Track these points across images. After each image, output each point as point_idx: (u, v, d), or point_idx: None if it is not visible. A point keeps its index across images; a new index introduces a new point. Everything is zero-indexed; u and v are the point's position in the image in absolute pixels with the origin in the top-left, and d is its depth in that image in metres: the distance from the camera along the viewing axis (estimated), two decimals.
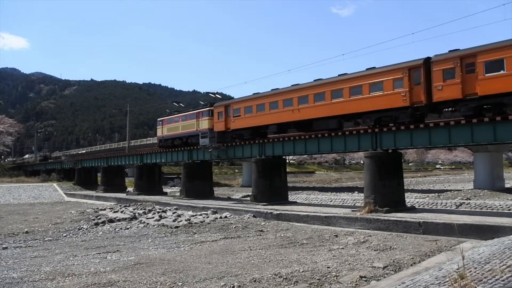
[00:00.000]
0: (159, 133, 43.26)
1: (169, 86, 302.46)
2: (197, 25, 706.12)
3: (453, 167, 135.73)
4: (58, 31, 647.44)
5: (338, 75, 25.44)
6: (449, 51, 20.60)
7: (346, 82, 24.23)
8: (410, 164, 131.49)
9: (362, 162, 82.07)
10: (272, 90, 29.59)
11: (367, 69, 23.86)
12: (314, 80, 26.88)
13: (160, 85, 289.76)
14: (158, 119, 44.47)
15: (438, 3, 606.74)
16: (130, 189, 51.33)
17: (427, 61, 20.99)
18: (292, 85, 28.23)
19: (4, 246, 17.88)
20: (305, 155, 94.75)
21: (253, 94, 31.49)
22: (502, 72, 18.15)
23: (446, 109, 21.00)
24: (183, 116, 39.24)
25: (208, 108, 35.60)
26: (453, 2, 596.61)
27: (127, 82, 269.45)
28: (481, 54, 18.88)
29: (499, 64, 18.28)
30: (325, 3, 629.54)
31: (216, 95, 44.19)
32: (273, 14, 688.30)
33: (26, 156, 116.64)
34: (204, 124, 35.27)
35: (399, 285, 8.63)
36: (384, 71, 22.59)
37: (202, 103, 41.47)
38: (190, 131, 37.14)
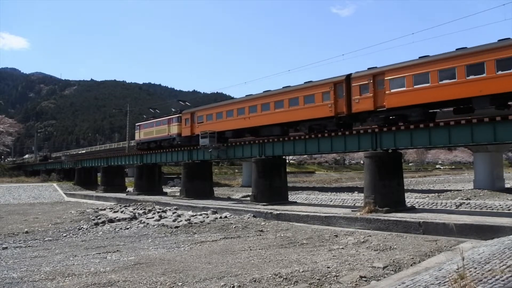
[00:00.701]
0: (137, 137, 47.69)
1: (169, 86, 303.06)
2: (197, 25, 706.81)
3: (453, 167, 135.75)
4: (58, 31, 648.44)
5: (282, 87, 28.89)
6: (368, 68, 23.87)
7: (286, 94, 27.82)
8: (410, 164, 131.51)
9: (362, 162, 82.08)
10: (229, 100, 34.89)
11: (304, 82, 27.13)
12: (263, 92, 30.35)
13: (160, 85, 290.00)
14: (136, 124, 48.56)
15: (438, 3, 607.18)
16: (130, 189, 51.32)
17: (348, 78, 24.31)
18: (246, 96, 32.04)
19: (4, 246, 17.88)
20: (305, 155, 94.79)
21: (214, 104, 36.44)
22: (403, 88, 21.41)
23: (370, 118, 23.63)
24: (156, 122, 43.37)
25: (177, 115, 39.38)
26: (453, 2, 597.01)
27: (127, 82, 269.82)
28: (388, 73, 22.18)
29: (401, 82, 21.55)
30: (325, 3, 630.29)
31: (185, 103, 48.27)
32: (273, 14, 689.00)
33: (26, 156, 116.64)
34: (174, 129, 39.36)
35: (399, 285, 8.63)
36: (316, 85, 26.06)
37: (173, 110, 45.74)
38: (163, 136, 41.10)
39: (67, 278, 11.28)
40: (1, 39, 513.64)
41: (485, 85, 18.57)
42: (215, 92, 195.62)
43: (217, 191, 45.08)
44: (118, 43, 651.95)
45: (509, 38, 18.56)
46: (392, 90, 21.88)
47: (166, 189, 52.41)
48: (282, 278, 10.30)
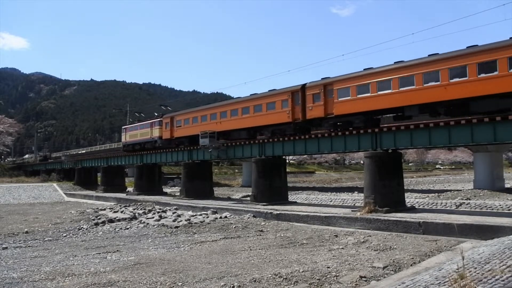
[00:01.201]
0: (123, 139, 50.66)
1: (169, 86, 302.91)
2: (197, 25, 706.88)
3: (453, 167, 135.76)
4: (58, 31, 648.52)
5: (250, 94, 31.90)
6: (322, 78, 26.28)
7: (252, 101, 30.56)
8: (410, 164, 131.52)
9: (362, 162, 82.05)
10: (204, 106, 38.04)
11: (269, 90, 29.82)
12: (234, 98, 34.22)
13: (160, 85, 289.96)
14: (123, 127, 52.89)
15: (438, 3, 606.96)
16: (130, 189, 51.31)
17: (303, 87, 26.87)
18: (217, 103, 36.15)
19: (4, 246, 17.88)
20: (305, 155, 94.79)
21: (190, 109, 39.78)
22: (348, 97, 23.91)
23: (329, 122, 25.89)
24: (140, 125, 46.76)
25: (159, 119, 42.64)
26: (453, 2, 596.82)
27: (127, 82, 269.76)
28: (336, 83, 24.73)
29: (347, 91, 24.06)
30: (325, 3, 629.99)
31: (166, 108, 53.90)
32: (273, 14, 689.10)
33: (26, 156, 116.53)
34: (156, 132, 42.52)
35: (399, 285, 8.63)
36: (276, 93, 28.87)
37: (156, 114, 48.99)
38: (146, 138, 44.50)
39: (67, 278, 11.28)
40: (1, 39, 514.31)
41: (414, 95, 20.95)
42: (215, 92, 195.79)
43: (217, 191, 45.10)
44: (118, 43, 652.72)
45: (437, 54, 20.92)
46: (339, 99, 24.41)
47: (166, 189, 52.42)
48: (282, 278, 10.31)
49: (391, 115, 23.29)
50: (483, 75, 18.61)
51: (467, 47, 19.75)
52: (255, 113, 29.92)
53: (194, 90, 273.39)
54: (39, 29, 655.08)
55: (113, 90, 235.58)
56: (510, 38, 18.33)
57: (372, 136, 23.31)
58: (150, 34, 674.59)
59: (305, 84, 27.01)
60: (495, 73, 18.24)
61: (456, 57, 19.64)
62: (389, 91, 22.04)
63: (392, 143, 22.61)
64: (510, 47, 17.97)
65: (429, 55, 21.15)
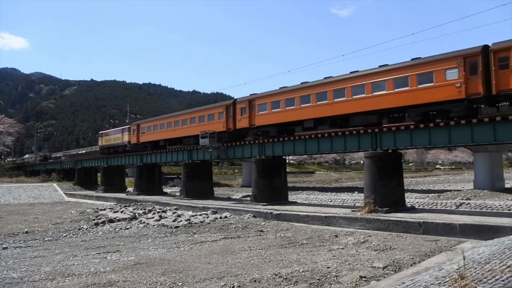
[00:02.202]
0: (99, 143, 57.57)
1: (169, 86, 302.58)
2: (197, 25, 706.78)
3: (453, 167, 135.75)
4: (58, 31, 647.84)
5: (197, 108, 40.23)
6: (250, 94, 31.96)
7: (197, 113, 37.36)
8: (410, 164, 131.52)
9: (362, 162, 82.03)
10: (163, 115, 45.12)
11: (214, 103, 36.66)
12: (185, 110, 42.32)
13: (160, 85, 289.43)
14: (99, 132, 60.32)
15: (437, 3, 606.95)
16: (130, 189, 51.30)
17: (234, 102, 32.64)
18: (176, 112, 44.00)
19: (4, 246, 17.88)
20: (305, 155, 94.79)
21: (153, 118, 47.02)
22: (266, 111, 29.36)
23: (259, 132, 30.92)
24: (113, 131, 53.49)
25: (128, 126, 49.38)
26: (453, 2, 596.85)
27: (127, 82, 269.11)
28: (257, 100, 30.29)
29: (265, 107, 29.50)
30: (325, 3, 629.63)
31: (135, 116, 63.45)
32: (273, 15, 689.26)
33: (26, 156, 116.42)
34: (126, 137, 48.42)
35: (399, 285, 8.63)
36: (215, 107, 35.88)
37: (127, 121, 56.18)
38: (118, 142, 50.63)
39: (67, 278, 11.28)
40: (1, 39, 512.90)
41: (310, 111, 26.27)
42: (215, 92, 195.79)
43: (217, 191, 45.10)
44: (118, 43, 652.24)
45: (330, 76, 25.84)
46: (259, 113, 29.89)
47: (166, 189, 52.42)
48: (282, 278, 10.31)
49: (299, 126, 28.25)
50: (356, 96, 23.70)
51: (350, 72, 24.89)
52: (200, 123, 36.15)
53: (194, 90, 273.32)
54: (39, 29, 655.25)
55: (113, 90, 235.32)
56: (379, 66, 23.42)
57: (372, 136, 23.31)
58: (150, 34, 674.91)
59: (235, 99, 33.03)
60: (363, 95, 23.31)
61: (339, 81, 24.89)
62: (294, 107, 27.45)
63: (392, 143, 22.62)
64: (372, 76, 23.26)
65: (324, 78, 26.29)
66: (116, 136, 51.92)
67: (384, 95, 22.45)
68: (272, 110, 28.89)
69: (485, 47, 19.39)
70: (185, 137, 38.65)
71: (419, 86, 21.05)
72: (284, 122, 28.50)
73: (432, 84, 20.62)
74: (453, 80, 19.83)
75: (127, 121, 55.78)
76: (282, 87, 29.09)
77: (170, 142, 41.76)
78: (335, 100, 24.64)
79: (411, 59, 22.16)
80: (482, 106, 20.44)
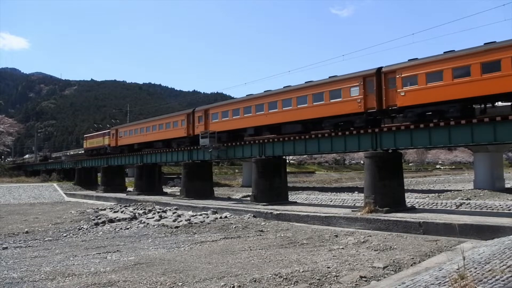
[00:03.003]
0: (84, 145, 63.42)
1: (169, 86, 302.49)
2: (198, 25, 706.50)
3: (453, 167, 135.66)
4: (58, 31, 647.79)
5: (165, 115, 45.72)
6: (208, 104, 38.38)
7: (164, 120, 42.64)
8: (410, 164, 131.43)
9: (362, 162, 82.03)
10: (137, 121, 51.86)
11: (179, 111, 41.01)
12: (155, 117, 48.40)
13: (160, 85, 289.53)
14: (85, 135, 66.90)
15: (437, 3, 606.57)
16: (130, 189, 51.30)
17: (193, 111, 37.38)
18: (148, 119, 50.36)
19: (4, 246, 17.87)
20: (305, 155, 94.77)
21: (129, 123, 54.34)
22: (217, 120, 34.13)
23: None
24: (96, 135, 59.93)
25: (108, 131, 54.84)
26: (453, 2, 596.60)
27: (127, 82, 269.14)
28: (211, 109, 35.25)
29: (217, 116, 34.36)
30: (325, 4, 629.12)
31: (116, 121, 73.36)
32: (273, 15, 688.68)
33: (26, 156, 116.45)
34: (106, 141, 53.56)
35: (399, 285, 8.63)
36: (178, 115, 40.88)
37: (108, 126, 62.85)
38: (100, 145, 56.03)
39: (67, 278, 11.28)
40: (2, 39, 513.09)
41: (251, 120, 30.59)
42: (216, 92, 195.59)
43: (217, 191, 45.10)
44: (118, 43, 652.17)
45: (270, 90, 29.89)
46: (213, 121, 34.58)
47: (166, 189, 52.40)
48: (282, 278, 10.31)
49: (244, 133, 32.45)
50: (285, 108, 27.79)
51: (284, 87, 28.95)
52: (166, 129, 41.19)
53: (194, 90, 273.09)
54: (40, 29, 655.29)
55: (113, 90, 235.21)
56: (305, 82, 27.24)
57: (372, 136, 23.31)
58: (150, 34, 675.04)
59: (194, 109, 37.86)
60: (291, 107, 27.42)
61: (273, 95, 29.20)
62: (239, 116, 31.76)
63: (392, 143, 22.62)
64: (297, 91, 27.23)
65: (264, 91, 30.49)
66: (98, 140, 57.72)
67: (306, 108, 26.43)
68: (222, 119, 33.59)
69: (379, 69, 23.04)
70: (155, 141, 43.86)
71: (331, 101, 24.88)
72: (231, 129, 32.92)
73: (340, 99, 24.37)
74: (355, 96, 23.60)
75: (108, 126, 64.86)
76: (232, 98, 35.14)
77: (143, 146, 46.79)
78: (270, 111, 29.00)
79: (329, 77, 25.84)
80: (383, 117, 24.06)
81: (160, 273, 11.44)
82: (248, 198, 33.69)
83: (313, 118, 26.39)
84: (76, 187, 60.57)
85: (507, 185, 41.93)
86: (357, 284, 9.71)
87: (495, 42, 19.20)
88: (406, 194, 27.84)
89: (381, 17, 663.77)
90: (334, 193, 42.75)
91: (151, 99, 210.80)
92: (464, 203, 27.06)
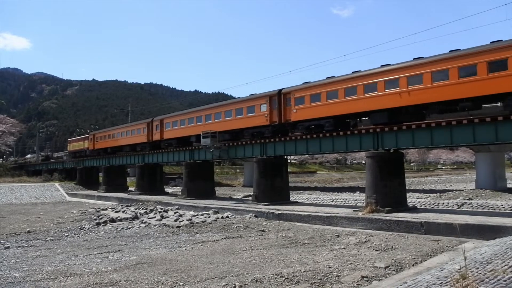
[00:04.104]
0: (68, 148, 71.14)
1: (171, 86, 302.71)
2: (199, 25, 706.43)
3: (455, 167, 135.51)
4: (60, 32, 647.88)
5: (135, 122, 53.03)
6: (167, 114, 45.82)
7: (131, 127, 49.82)
8: (411, 164, 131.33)
9: (363, 162, 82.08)
10: (111, 127, 61.38)
11: (142, 120, 45.56)
12: (126, 123, 59.46)
13: (161, 85, 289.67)
14: (68, 139, 76.83)
15: (438, 3, 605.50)
16: (131, 189, 51.35)
17: (152, 120, 44.30)
18: (119, 125, 60.69)
19: (6, 245, 17.92)
20: (307, 155, 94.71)
21: (103, 129, 62.93)
22: (169, 128, 40.91)
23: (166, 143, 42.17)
24: (78, 139, 67.62)
25: (87, 136, 62.15)
26: (454, 2, 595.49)
27: (128, 82, 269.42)
28: (165, 119, 42.05)
29: (169, 125, 41.18)
30: (325, 4, 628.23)
31: (95, 126, 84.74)
32: (274, 15, 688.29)
33: (28, 156, 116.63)
34: (86, 144, 60.60)
35: (401, 285, 8.62)
36: (139, 123, 48.11)
37: (88, 130, 72.13)
38: (81, 148, 63.06)
39: (69, 277, 11.29)
40: (4, 40, 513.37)
41: (199, 128, 35.44)
42: (217, 92, 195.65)
43: (219, 191, 45.10)
44: (120, 43, 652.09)
45: (221, 102, 37.45)
46: (166, 129, 41.56)
47: (168, 189, 52.41)
48: (283, 278, 10.30)
49: (191, 140, 37.91)
50: (217, 120, 34.21)
51: (219, 103, 36.68)
52: (132, 135, 48.07)
53: (196, 90, 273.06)
54: (41, 29, 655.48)
55: (114, 90, 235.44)
56: (232, 99, 37.30)
57: (374, 136, 23.30)
58: (151, 34, 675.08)
59: (153, 118, 44.54)
60: (220, 119, 33.79)
61: (209, 109, 36.23)
62: (185, 126, 38.64)
63: (393, 143, 22.60)
64: (224, 107, 34.33)
65: (211, 104, 38.60)
66: (79, 143, 64.63)
67: (231, 120, 32.58)
68: (173, 128, 40.33)
69: (280, 90, 28.94)
70: (124, 145, 50.27)
71: (248, 115, 30.95)
72: (180, 136, 39.31)
73: (254, 114, 30.35)
74: (264, 112, 29.55)
75: (88, 131, 75.20)
76: (182, 111, 42.68)
77: (115, 149, 53.17)
78: (206, 122, 35.23)
79: (250, 94, 32.62)
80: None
81: (162, 272, 11.44)
82: (250, 198, 33.69)
83: (236, 129, 32.50)
84: (78, 187, 60.62)
85: (509, 185, 41.79)
86: (358, 284, 9.70)
87: (359, 71, 24.32)
88: (408, 194, 27.82)
89: (382, 17, 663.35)
90: (336, 193, 42.72)
91: (153, 99, 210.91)
92: (465, 203, 27.02)
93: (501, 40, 19.21)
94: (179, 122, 39.41)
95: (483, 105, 20.35)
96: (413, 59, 22.05)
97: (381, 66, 23.42)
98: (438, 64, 20.73)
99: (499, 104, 19.99)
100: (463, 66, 19.69)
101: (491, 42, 19.63)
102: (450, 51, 20.72)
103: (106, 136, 55.04)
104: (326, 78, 26.25)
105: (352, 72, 24.72)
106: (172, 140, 40.39)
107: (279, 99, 28.79)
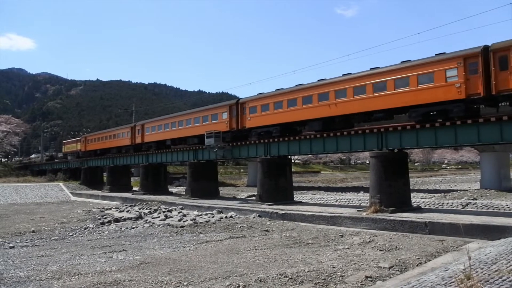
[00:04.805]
0: (63, 150, 76.91)
1: (175, 86, 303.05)
2: (202, 25, 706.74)
3: (459, 167, 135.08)
4: (64, 32, 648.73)
5: (119, 127, 59.56)
6: (146, 120, 51.79)
7: (112, 132, 55.95)
8: (416, 164, 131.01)
9: (367, 162, 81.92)
10: (96, 132, 68.84)
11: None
12: (112, 128, 65.03)
13: (165, 85, 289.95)
14: (63, 141, 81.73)
15: (441, 3, 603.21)
16: (135, 188, 51.47)
17: (135, 125, 49.07)
18: (106, 129, 66.78)
19: (11, 245, 18.01)
20: (311, 155, 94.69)
21: (93, 133, 68.69)
22: (149, 132, 45.53)
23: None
24: (72, 141, 72.44)
25: (80, 138, 67.35)
26: (457, 2, 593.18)
27: (132, 82, 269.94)
28: (145, 124, 46.95)
29: (149, 129, 45.57)
30: (329, 4, 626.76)
31: (87, 129, 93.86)
32: (278, 15, 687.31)
33: (33, 155, 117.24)
34: (78, 146, 65.08)
35: (405, 286, 8.60)
36: (124, 128, 53.22)
37: (81, 134, 78.21)
38: (74, 150, 67.74)
39: (73, 277, 11.34)
40: (9, 40, 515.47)
41: (171, 134, 41.33)
42: (221, 92, 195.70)
43: (223, 190, 45.14)
44: (124, 43, 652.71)
45: (190, 110, 42.37)
46: (146, 133, 46.07)
47: (172, 189, 52.52)
48: (287, 278, 10.30)
49: (167, 143, 42.68)
50: (187, 126, 38.53)
51: (188, 111, 42.03)
52: (117, 138, 52.69)
53: (199, 90, 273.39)
54: (46, 30, 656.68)
55: (119, 90, 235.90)
56: (196, 108, 41.59)
57: (378, 136, 23.25)
58: (155, 34, 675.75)
59: (136, 123, 49.94)
60: (190, 125, 38.18)
61: (182, 115, 40.63)
62: (162, 130, 42.80)
63: (398, 143, 22.55)
64: (191, 114, 39.21)
65: (181, 112, 44.78)
66: (73, 145, 69.49)
67: (198, 127, 36.77)
68: (152, 132, 44.69)
69: (238, 100, 33.28)
70: (110, 148, 55.26)
71: (212, 122, 34.79)
72: (158, 140, 43.78)
73: (217, 121, 34.29)
74: (224, 119, 33.48)
75: (81, 134, 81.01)
76: (165, 116, 46.25)
77: (103, 151, 57.99)
78: (179, 128, 39.74)
79: (215, 104, 38.60)
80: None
81: (166, 272, 11.47)
82: (253, 198, 33.71)
83: (198, 135, 36.51)
84: (82, 186, 60.83)
85: None
86: (362, 284, 9.69)
87: (301, 84, 27.84)
88: (412, 194, 27.76)
89: (386, 16, 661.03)
90: (340, 193, 42.70)
91: (157, 99, 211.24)
92: (470, 203, 26.94)
93: (409, 60, 22.16)
94: (157, 127, 43.91)
95: (394, 115, 23.58)
96: (342, 75, 25.59)
97: (318, 80, 27.08)
98: (358, 80, 23.99)
99: (405, 114, 23.01)
100: (377, 83, 22.89)
101: (435, 54, 21.64)
102: (401, 62, 22.81)
103: (96, 139, 59.67)
104: (275, 90, 29.94)
105: (296, 85, 28.46)
106: (152, 143, 45.15)
107: (237, 108, 32.59)
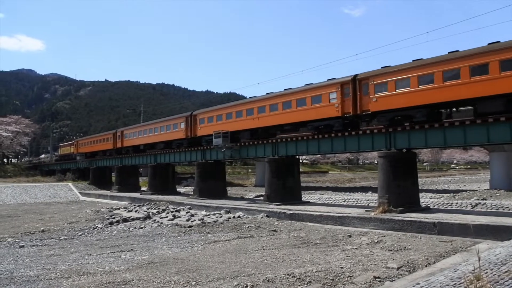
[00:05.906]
0: (59, 152, 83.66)
1: (183, 87, 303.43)
2: (210, 26, 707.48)
3: (469, 167, 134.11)
4: (73, 33, 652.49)
5: (104, 133, 66.13)
6: (127, 126, 61.43)
7: (99, 137, 61.74)
8: (424, 164, 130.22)
9: (376, 161, 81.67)
10: (89, 135, 75.00)
11: (108, 131, 51.83)
12: (99, 133, 71.59)
13: (173, 85, 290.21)
14: (59, 144, 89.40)
15: (449, 2, 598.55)
16: (144, 188, 51.66)
17: (116, 131, 54.41)
18: (94, 134, 73.25)
19: (21, 244, 18.18)
20: (319, 155, 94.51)
21: (87, 136, 75.31)
22: (129, 138, 51.40)
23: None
24: (66, 144, 78.30)
25: (73, 142, 72.88)
26: (465, 1, 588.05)
27: (140, 82, 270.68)
28: (125, 131, 52.95)
29: (128, 135, 51.52)
30: (337, 4, 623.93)
31: (81, 134, 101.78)
32: (286, 15, 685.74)
33: (42, 156, 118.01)
34: (73, 149, 70.62)
35: (414, 286, 8.55)
36: (107, 133, 59.34)
37: (74, 137, 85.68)
38: (69, 152, 73.45)
39: (82, 276, 11.41)
40: (19, 41, 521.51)
41: (145, 139, 47.12)
42: (228, 92, 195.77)
43: (231, 190, 45.18)
44: (132, 43, 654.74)
45: (163, 118, 48.05)
46: (126, 138, 51.40)
47: (180, 189, 52.60)
48: (295, 278, 10.29)
49: (160, 147, 45.43)
50: (161, 132, 44.31)
51: (162, 119, 48.61)
52: (103, 143, 58.52)
53: (207, 90, 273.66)
54: (55, 31, 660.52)
55: (127, 90, 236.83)
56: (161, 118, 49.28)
57: (386, 136, 23.14)
58: (163, 35, 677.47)
59: (117, 130, 55.40)
60: (163, 132, 43.49)
61: (155, 123, 46.78)
62: (140, 136, 48.40)
63: (406, 143, 22.43)
64: (162, 123, 44.82)
65: (157, 119, 50.56)
66: (68, 148, 75.21)
67: (164, 134, 43.10)
68: (130, 138, 50.64)
69: (192, 113, 39.13)
70: (97, 151, 60.80)
71: (174, 130, 41.13)
72: (134, 145, 49.69)
73: (177, 129, 40.51)
74: (182, 129, 39.72)
75: (74, 137, 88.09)
76: (138, 124, 55.19)
77: (93, 154, 63.00)
78: (149, 134, 46.22)
79: (175, 115, 44.82)
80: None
81: (174, 272, 11.50)
82: (261, 198, 33.71)
83: (164, 141, 43.41)
84: (91, 186, 61.14)
85: None
86: (370, 285, 9.65)
87: (272, 92, 30.60)
88: (421, 194, 27.59)
89: (393, 16, 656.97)
90: (348, 193, 42.56)
91: (165, 99, 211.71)
92: (479, 203, 26.73)
93: (334, 78, 25.75)
94: (133, 134, 49.98)
95: (300, 128, 28.85)
96: (266, 93, 31.31)
97: (250, 97, 33.60)
98: (273, 100, 29.38)
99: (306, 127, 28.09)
100: (285, 102, 28.17)
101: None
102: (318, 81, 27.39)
103: (86, 143, 66.30)
104: (250, 97, 33.71)
105: (239, 102, 35.43)
106: (129, 147, 51.12)
107: (191, 119, 39.25)
